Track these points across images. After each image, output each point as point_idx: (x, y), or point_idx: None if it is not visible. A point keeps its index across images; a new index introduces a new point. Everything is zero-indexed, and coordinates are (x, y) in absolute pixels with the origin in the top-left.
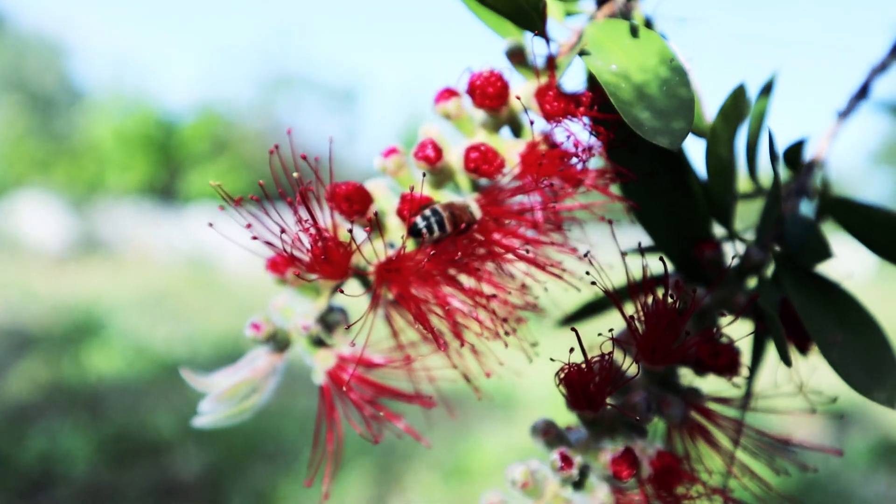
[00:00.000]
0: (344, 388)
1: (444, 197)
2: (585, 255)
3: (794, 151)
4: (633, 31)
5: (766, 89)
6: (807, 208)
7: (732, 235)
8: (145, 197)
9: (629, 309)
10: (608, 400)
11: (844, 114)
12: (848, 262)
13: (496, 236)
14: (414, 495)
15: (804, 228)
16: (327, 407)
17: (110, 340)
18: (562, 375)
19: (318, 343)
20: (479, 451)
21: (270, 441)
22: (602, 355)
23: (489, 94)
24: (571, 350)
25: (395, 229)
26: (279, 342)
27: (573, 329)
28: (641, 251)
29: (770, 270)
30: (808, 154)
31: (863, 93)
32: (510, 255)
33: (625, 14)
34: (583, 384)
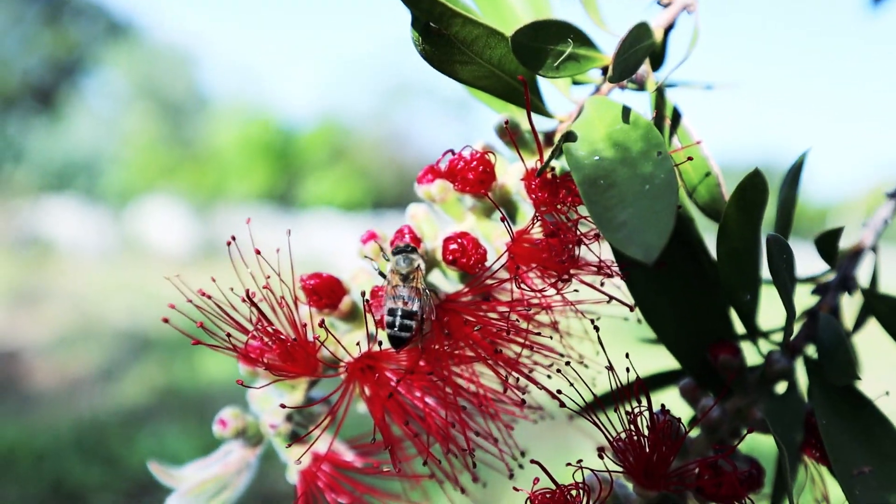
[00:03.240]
0: (316, 490)
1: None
2: (562, 369)
3: (829, 240)
4: (625, 116)
5: (795, 174)
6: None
7: (755, 335)
8: (264, 203)
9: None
10: None
11: None
12: None
13: (475, 333)
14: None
15: (834, 337)
16: None
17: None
18: None
19: (294, 437)
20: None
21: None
22: (576, 484)
23: (469, 181)
24: (536, 480)
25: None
26: (250, 437)
27: (535, 461)
28: (630, 365)
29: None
30: (852, 240)
31: None
32: (485, 358)
33: (638, 83)
34: None
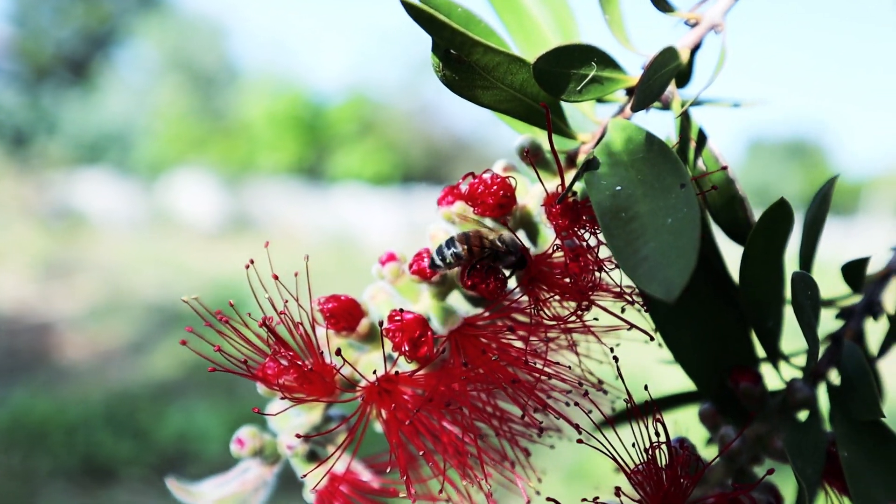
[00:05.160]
0: None
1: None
2: (581, 397)
3: (855, 269)
4: (649, 143)
5: (824, 197)
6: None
7: (776, 358)
8: (293, 176)
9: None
10: None
11: None
12: None
13: (494, 361)
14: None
15: (858, 369)
16: None
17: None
18: None
19: (312, 457)
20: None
21: None
22: None
23: (489, 206)
24: None
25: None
26: (268, 456)
27: (550, 499)
28: (650, 397)
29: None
30: (879, 265)
31: None
32: (503, 385)
33: (664, 102)
34: None
